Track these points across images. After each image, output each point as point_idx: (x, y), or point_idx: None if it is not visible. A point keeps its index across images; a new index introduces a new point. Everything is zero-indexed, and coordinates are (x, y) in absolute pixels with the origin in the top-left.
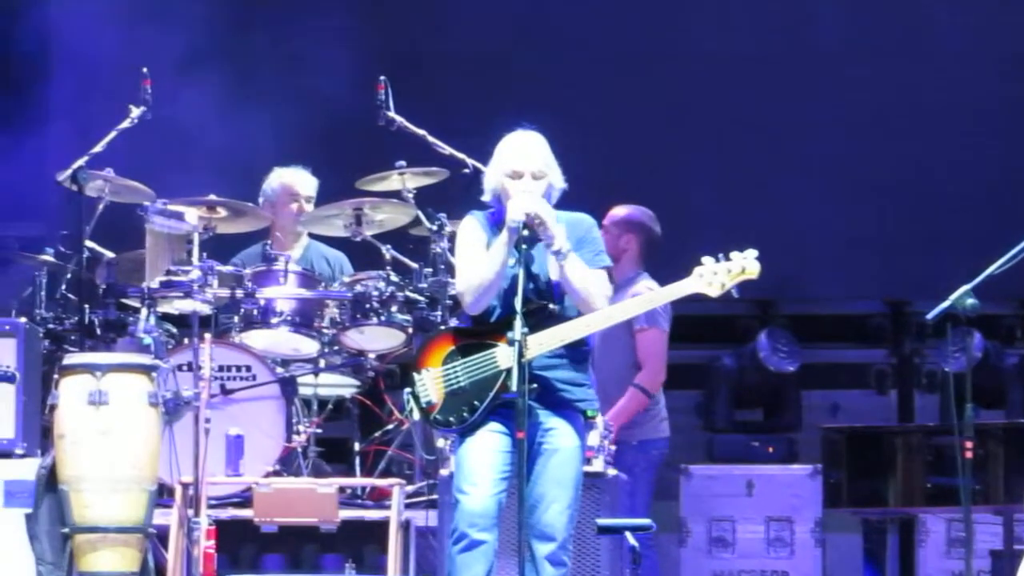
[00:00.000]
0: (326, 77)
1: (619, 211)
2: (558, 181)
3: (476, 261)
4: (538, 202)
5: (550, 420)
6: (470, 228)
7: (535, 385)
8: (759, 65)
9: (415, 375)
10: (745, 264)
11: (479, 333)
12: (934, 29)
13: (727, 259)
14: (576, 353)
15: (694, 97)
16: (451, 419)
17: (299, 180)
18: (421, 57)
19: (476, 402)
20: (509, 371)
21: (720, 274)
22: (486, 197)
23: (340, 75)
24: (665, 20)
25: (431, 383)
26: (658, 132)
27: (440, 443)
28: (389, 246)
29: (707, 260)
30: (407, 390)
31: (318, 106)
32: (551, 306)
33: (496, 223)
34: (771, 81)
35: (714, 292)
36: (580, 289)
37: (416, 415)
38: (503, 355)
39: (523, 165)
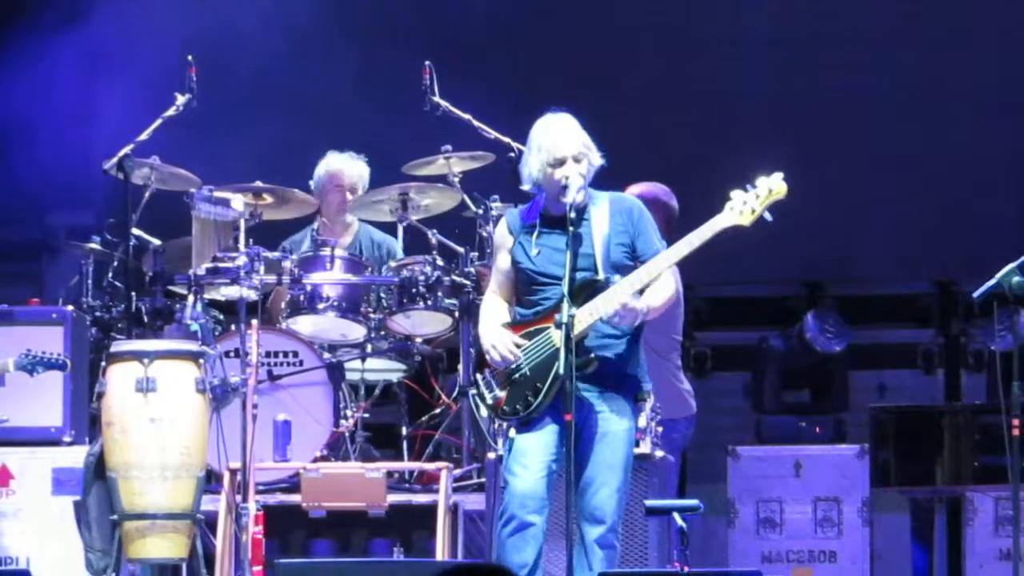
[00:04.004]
0: (373, 62)
1: (635, 189)
2: (596, 159)
3: (495, 278)
4: (635, 312)
5: (600, 402)
6: (498, 234)
7: (593, 356)
8: (811, 47)
9: (477, 376)
10: (771, 185)
11: (536, 320)
12: (989, 13)
13: (753, 187)
14: (628, 334)
15: (745, 78)
16: (518, 407)
17: (344, 167)
18: (465, 41)
19: (539, 384)
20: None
21: (750, 201)
22: (525, 186)
23: (384, 60)
24: (705, 3)
25: (494, 379)
26: (706, 113)
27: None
28: (435, 230)
29: (735, 193)
30: (472, 392)
31: (362, 91)
32: (598, 278)
33: (532, 216)
34: (824, 63)
35: (747, 220)
36: (663, 306)
37: (484, 413)
38: (558, 334)
39: (563, 150)
